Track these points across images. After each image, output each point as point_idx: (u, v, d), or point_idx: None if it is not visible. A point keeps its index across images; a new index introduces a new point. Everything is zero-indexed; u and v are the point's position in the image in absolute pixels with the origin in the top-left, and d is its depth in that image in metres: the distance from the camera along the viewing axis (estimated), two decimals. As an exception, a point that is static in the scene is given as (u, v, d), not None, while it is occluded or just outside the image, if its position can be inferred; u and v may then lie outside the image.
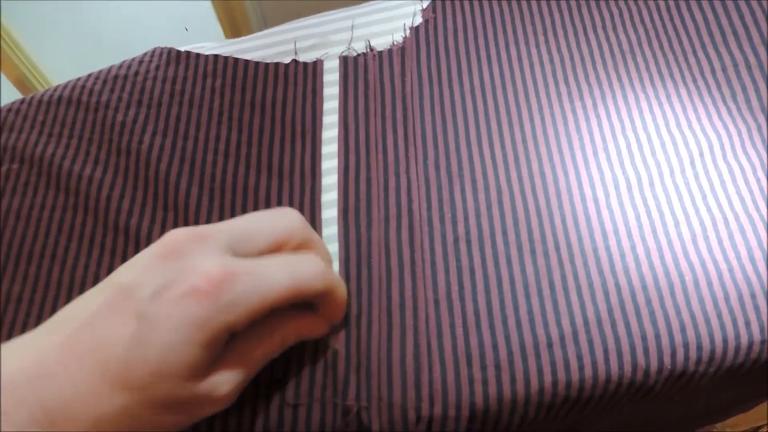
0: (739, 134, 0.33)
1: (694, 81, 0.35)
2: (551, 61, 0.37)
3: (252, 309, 0.23)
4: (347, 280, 0.30)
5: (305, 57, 0.41)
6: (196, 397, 0.23)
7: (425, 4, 0.42)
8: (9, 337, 0.32)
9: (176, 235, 0.24)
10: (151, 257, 0.24)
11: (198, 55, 0.41)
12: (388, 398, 0.27)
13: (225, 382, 0.24)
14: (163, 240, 0.24)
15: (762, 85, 0.34)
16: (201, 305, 0.22)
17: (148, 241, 0.34)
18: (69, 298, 0.33)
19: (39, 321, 0.32)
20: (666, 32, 0.38)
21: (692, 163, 0.32)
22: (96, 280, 0.33)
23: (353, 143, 0.36)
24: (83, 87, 0.41)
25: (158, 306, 0.22)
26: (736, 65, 0.35)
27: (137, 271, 0.24)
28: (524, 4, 0.41)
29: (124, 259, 0.34)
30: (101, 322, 0.23)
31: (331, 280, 0.26)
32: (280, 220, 0.27)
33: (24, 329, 0.32)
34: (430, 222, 0.32)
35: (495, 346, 0.28)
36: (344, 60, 0.39)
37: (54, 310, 0.33)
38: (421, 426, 0.27)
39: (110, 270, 0.33)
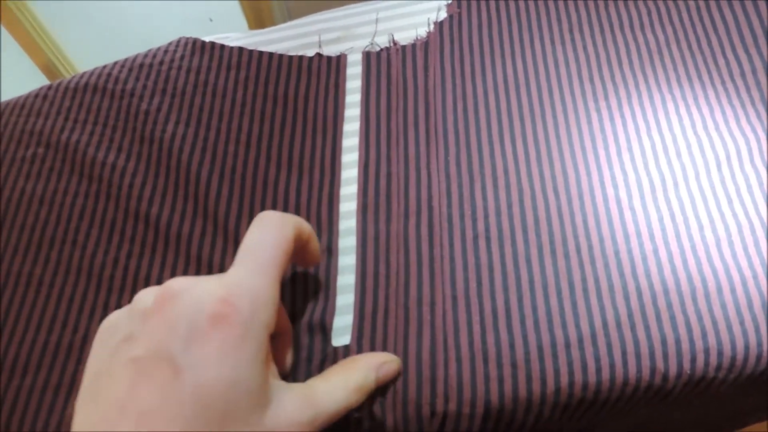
0: (768, 138, 0.32)
1: (723, 83, 0.35)
2: (576, 59, 0.37)
3: (270, 297, 0.23)
4: (363, 275, 0.30)
5: (328, 50, 0.41)
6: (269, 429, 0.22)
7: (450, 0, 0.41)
8: (28, 318, 0.33)
9: (168, 285, 0.23)
10: (151, 317, 0.22)
11: (223, 46, 0.42)
12: (403, 393, 0.27)
13: (292, 418, 0.22)
14: (157, 294, 0.23)
15: (793, 88, 0.33)
16: (231, 326, 0.21)
17: (167, 230, 0.34)
18: (88, 283, 0.33)
19: (58, 304, 0.33)
20: (695, 32, 0.37)
21: (719, 166, 0.32)
22: (115, 266, 0.34)
23: (374, 138, 0.35)
24: (109, 74, 0.42)
25: (192, 352, 0.21)
26: (766, 67, 0.34)
27: (145, 337, 0.22)
28: (551, 2, 0.40)
29: (143, 246, 0.34)
30: (138, 400, 0.21)
31: (298, 219, 0.26)
32: (267, 232, 0.25)
33: (43, 312, 0.33)
34: (450, 218, 0.32)
35: (512, 345, 0.27)
36: (367, 55, 0.39)
37: (73, 294, 0.33)
38: (435, 422, 0.27)
39: (129, 256, 0.34)
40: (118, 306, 0.32)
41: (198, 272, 0.33)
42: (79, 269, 0.34)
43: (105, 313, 0.32)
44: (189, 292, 0.22)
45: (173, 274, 0.33)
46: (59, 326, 0.32)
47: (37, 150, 0.39)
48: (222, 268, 0.33)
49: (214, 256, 0.33)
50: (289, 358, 0.28)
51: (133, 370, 0.21)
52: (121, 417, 0.20)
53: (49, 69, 1.07)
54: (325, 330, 0.30)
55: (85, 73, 0.43)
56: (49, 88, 0.43)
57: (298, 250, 0.27)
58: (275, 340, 0.26)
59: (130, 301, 0.32)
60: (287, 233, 0.25)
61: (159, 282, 0.33)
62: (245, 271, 0.23)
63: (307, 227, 0.27)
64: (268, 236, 0.25)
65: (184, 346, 0.21)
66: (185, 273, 0.33)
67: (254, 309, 0.22)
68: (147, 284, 0.33)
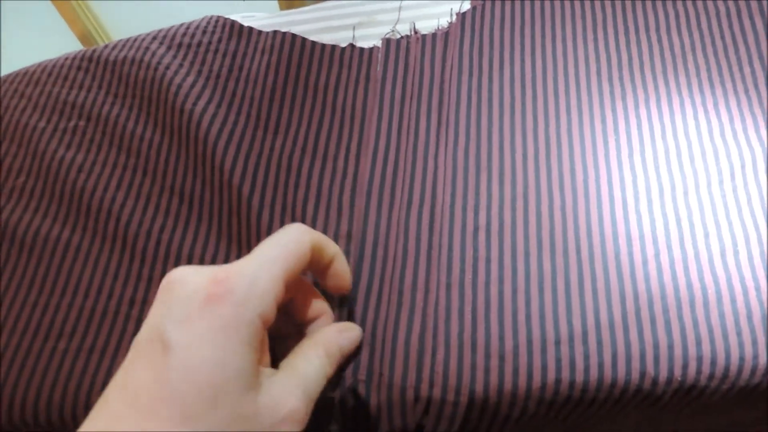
0: (787, 150, 0.31)
1: (746, 91, 0.34)
2: (597, 59, 0.37)
3: (270, 287, 0.23)
4: (361, 258, 0.31)
5: (345, 35, 0.41)
6: (262, 413, 0.22)
7: (475, -8, 0.41)
8: (66, 284, 0.34)
9: (171, 273, 0.24)
10: (155, 304, 0.23)
11: (260, 32, 0.42)
12: (389, 376, 0.27)
13: (285, 393, 0.22)
14: (162, 284, 0.23)
15: (818, 101, 0.32)
16: (222, 305, 0.21)
17: (201, 205, 0.35)
18: (122, 253, 0.34)
19: (94, 271, 0.34)
20: (723, 39, 0.36)
21: (732, 175, 0.31)
22: (147, 238, 0.35)
23: (386, 125, 0.36)
24: (147, 48, 0.43)
25: (184, 330, 0.21)
26: (793, 78, 0.33)
27: (147, 322, 0.23)
28: (576, 1, 0.40)
29: (176, 219, 0.35)
30: (133, 378, 0.21)
31: (315, 233, 0.26)
32: (283, 235, 0.25)
33: (79, 279, 0.34)
34: (452, 209, 0.32)
35: (501, 337, 0.27)
36: (387, 42, 0.40)
37: (108, 262, 0.34)
38: (418, 407, 0.27)
39: (162, 229, 0.35)
40: (150, 277, 0.33)
41: (228, 247, 0.34)
42: (114, 239, 0.35)
43: (138, 283, 0.33)
44: (190, 277, 0.23)
45: (204, 248, 0.34)
46: (94, 292, 0.33)
47: (78, 122, 0.41)
48: (249, 245, 0.33)
49: (241, 232, 0.34)
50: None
51: (133, 351, 0.22)
52: (120, 394, 0.21)
53: (85, 37, 1.10)
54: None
55: (120, 43, 0.44)
56: (90, 60, 0.44)
57: (320, 266, 0.27)
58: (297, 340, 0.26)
59: (161, 272, 0.33)
60: (303, 240, 0.25)
61: (189, 256, 0.34)
62: (250, 261, 0.24)
63: (332, 247, 0.27)
64: (283, 238, 0.25)
65: (176, 325, 0.21)
66: (215, 248, 0.34)
67: (249, 295, 0.22)
68: (178, 257, 0.34)
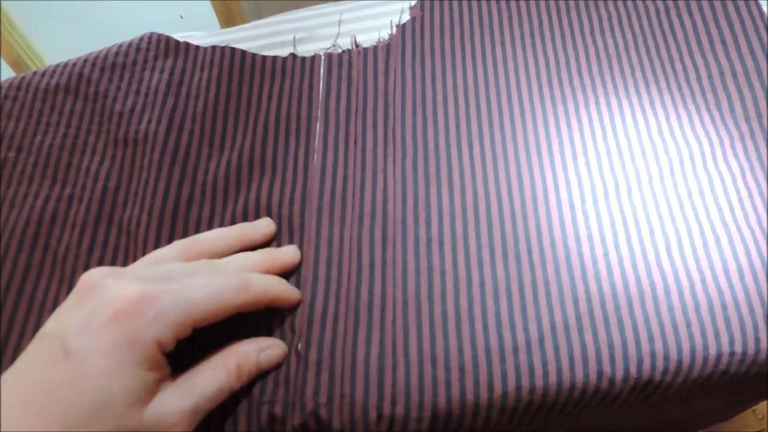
0: (721, 143, 0.32)
1: (680, 88, 0.35)
2: (536, 63, 0.37)
3: (175, 323, 0.23)
4: (315, 279, 0.30)
5: (287, 51, 0.41)
6: (145, 428, 0.23)
7: (413, 2, 0.41)
8: (8, 329, 0.32)
9: (91, 273, 0.25)
10: (69, 300, 0.24)
11: (197, 47, 0.41)
12: (350, 396, 0.27)
13: (172, 408, 0.23)
14: (80, 281, 0.24)
15: (747, 94, 0.34)
16: (125, 325, 0.22)
17: (136, 234, 0.34)
18: (59, 289, 0.33)
19: (29, 311, 0.32)
20: (654, 37, 0.37)
21: (672, 170, 0.32)
22: (86, 271, 0.33)
23: (332, 140, 0.35)
24: (80, 74, 0.41)
25: (84, 339, 0.22)
26: (722, 73, 0.35)
27: (57, 316, 0.24)
28: (513, 5, 0.40)
29: (116, 251, 0.34)
30: (30, 372, 0.22)
31: (255, 293, 0.27)
32: (221, 287, 0.26)
33: (12, 320, 0.32)
34: (404, 222, 0.31)
35: (460, 349, 0.27)
36: (329, 56, 0.39)
37: (44, 300, 0.33)
38: (382, 425, 0.27)
39: (101, 261, 0.33)
40: None
41: None
42: (51, 275, 0.33)
43: None
44: (104, 286, 0.24)
45: None
46: (30, 333, 0.32)
47: (8, 154, 0.39)
48: None
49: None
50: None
51: (36, 344, 0.23)
52: (17, 383, 0.22)
53: (17, 64, 1.06)
54: (283, 331, 0.29)
55: (55, 70, 0.43)
56: (18, 88, 0.42)
57: (257, 306, 0.28)
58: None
59: None
60: (233, 301, 0.26)
61: None
62: (171, 289, 0.24)
63: (271, 294, 0.28)
64: (220, 286, 0.26)
65: (78, 333, 0.22)
66: None
67: (153, 323, 0.23)
68: None
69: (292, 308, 0.30)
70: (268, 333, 0.29)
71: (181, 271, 0.26)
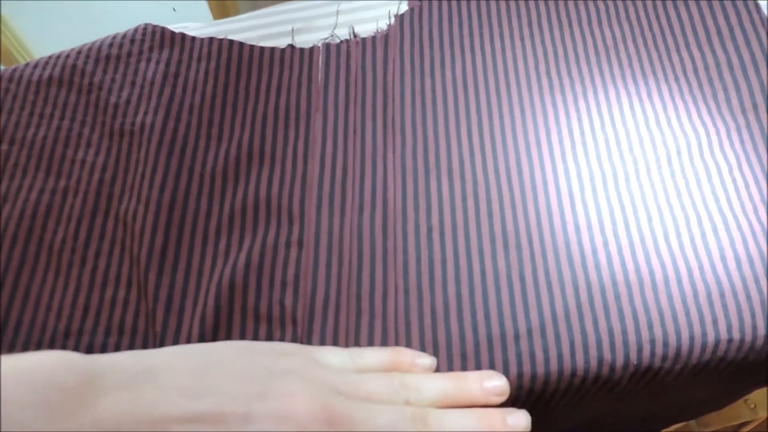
0: (717, 133, 0.33)
1: (677, 79, 0.35)
2: (534, 54, 0.37)
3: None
4: (316, 268, 0.30)
5: (284, 42, 0.40)
6: None
7: (411, -7, 0.41)
8: (4, 323, 0.32)
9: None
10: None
11: (193, 38, 0.41)
12: (353, 385, 0.27)
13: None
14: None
15: (743, 85, 0.34)
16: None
17: (142, 225, 0.33)
18: (55, 282, 0.32)
19: (24, 304, 0.32)
20: (651, 29, 0.38)
21: (669, 160, 0.32)
22: (82, 264, 0.33)
23: (331, 130, 0.35)
24: (74, 66, 0.41)
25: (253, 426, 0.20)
26: (718, 65, 0.35)
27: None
28: (511, 1, 0.40)
29: (112, 243, 0.33)
30: None
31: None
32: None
33: (7, 314, 0.32)
34: (404, 211, 0.32)
35: (462, 337, 0.27)
36: (327, 47, 0.39)
37: (40, 293, 0.32)
38: (384, 414, 0.27)
39: (98, 254, 0.33)
40: (86, 306, 0.31)
41: (161, 268, 0.32)
42: (47, 268, 0.33)
43: (72, 313, 0.31)
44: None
45: (140, 272, 0.32)
46: (26, 327, 0.31)
47: (1, 147, 0.38)
48: (188, 266, 0.32)
49: (180, 254, 0.32)
50: None
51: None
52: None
53: (6, 56, 1.04)
54: (284, 321, 0.29)
55: (44, 61, 0.42)
56: (10, 80, 0.42)
57: None
58: None
59: (99, 299, 0.31)
60: None
61: (128, 281, 0.32)
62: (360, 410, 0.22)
63: None
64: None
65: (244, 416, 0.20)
66: (152, 270, 0.32)
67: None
68: (116, 282, 0.32)
69: (293, 299, 0.30)
70: (271, 324, 0.29)
71: None
